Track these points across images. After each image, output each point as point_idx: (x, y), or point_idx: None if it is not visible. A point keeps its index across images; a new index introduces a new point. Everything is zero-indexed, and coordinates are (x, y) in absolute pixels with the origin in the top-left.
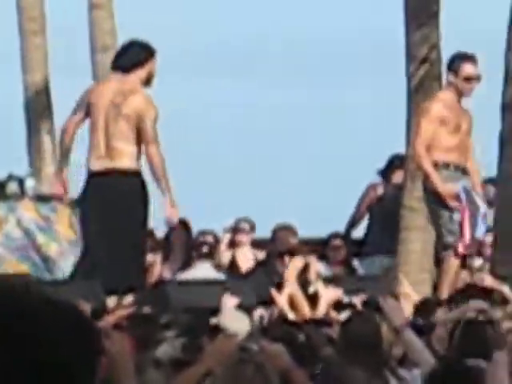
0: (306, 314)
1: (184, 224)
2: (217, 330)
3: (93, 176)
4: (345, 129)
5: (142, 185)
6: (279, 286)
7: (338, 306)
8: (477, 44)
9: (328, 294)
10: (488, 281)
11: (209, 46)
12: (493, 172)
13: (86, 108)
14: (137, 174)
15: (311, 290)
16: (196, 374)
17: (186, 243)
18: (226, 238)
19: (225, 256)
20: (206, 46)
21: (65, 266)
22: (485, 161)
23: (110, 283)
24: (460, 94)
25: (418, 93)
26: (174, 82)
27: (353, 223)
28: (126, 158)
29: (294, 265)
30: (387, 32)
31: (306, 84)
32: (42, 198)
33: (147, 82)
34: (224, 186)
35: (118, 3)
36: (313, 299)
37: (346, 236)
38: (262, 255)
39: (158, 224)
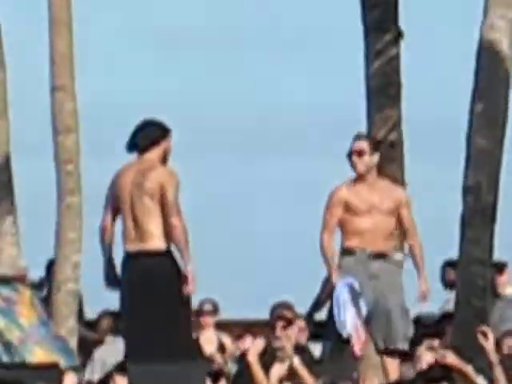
0: None
1: None
2: None
3: (128, 258)
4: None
5: (174, 263)
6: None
7: None
8: (439, 127)
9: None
10: (450, 358)
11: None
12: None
13: (114, 202)
14: (168, 254)
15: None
16: None
17: None
18: None
19: None
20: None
21: (25, 352)
22: (445, 243)
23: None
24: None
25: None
26: None
27: (316, 305)
28: (156, 238)
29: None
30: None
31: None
32: (2, 280)
33: (163, 159)
34: None
35: (81, 84)
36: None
37: (308, 317)
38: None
39: None
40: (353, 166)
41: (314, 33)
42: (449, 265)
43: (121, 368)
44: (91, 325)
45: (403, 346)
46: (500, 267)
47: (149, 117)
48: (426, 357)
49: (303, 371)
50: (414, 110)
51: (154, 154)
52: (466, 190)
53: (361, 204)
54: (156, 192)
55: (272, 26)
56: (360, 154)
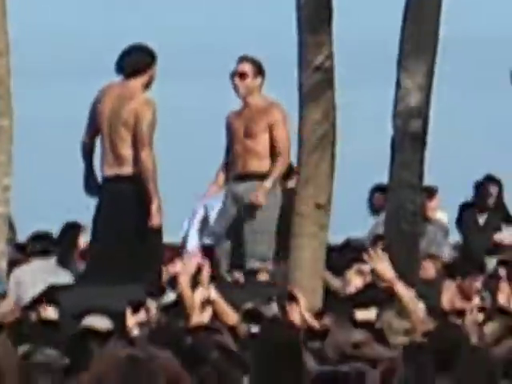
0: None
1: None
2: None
3: (106, 182)
4: None
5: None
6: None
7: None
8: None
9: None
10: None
11: None
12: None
13: (95, 123)
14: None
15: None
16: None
17: None
18: None
19: None
20: None
21: None
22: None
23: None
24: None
25: (310, 101)
26: None
27: None
28: (129, 165)
29: (186, 267)
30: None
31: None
32: None
33: (147, 86)
34: None
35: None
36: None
37: None
38: None
39: None
40: (234, 88)
41: None
42: (377, 190)
43: (50, 295)
44: (22, 248)
45: (253, 264)
46: (430, 192)
47: (136, 42)
48: (355, 280)
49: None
50: (345, 33)
51: (138, 81)
52: (395, 115)
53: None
54: (130, 121)
55: None
56: (242, 76)
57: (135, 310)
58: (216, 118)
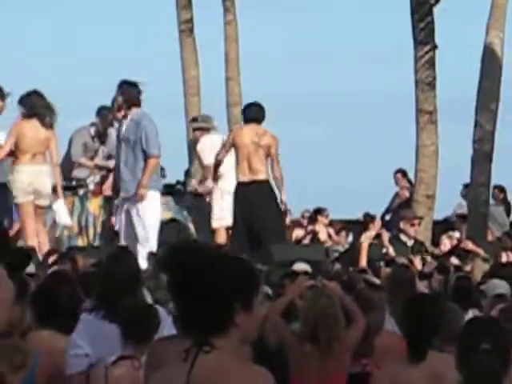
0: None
1: None
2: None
3: (240, 185)
4: None
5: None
6: None
7: None
8: None
9: None
10: (470, 245)
11: None
12: None
13: (231, 146)
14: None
15: None
16: (282, 303)
17: None
18: None
19: None
20: None
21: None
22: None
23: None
24: None
25: None
26: None
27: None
28: (263, 173)
29: None
30: None
31: None
32: None
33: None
34: None
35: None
36: None
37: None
38: None
39: None
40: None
41: None
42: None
43: None
44: None
45: None
46: (499, 188)
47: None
48: (445, 241)
49: None
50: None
51: (263, 125)
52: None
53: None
54: (265, 149)
55: None
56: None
57: None
58: None
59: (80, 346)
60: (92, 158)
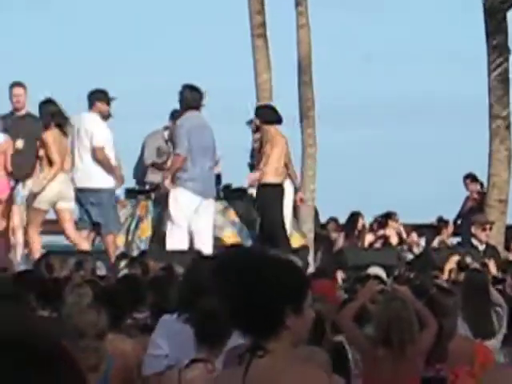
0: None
1: None
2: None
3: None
4: None
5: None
6: None
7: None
8: None
9: None
10: None
11: None
12: None
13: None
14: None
15: None
16: (354, 307)
17: None
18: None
19: None
20: None
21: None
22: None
23: None
24: None
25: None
26: None
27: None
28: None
29: None
30: None
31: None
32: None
33: None
34: None
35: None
36: None
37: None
38: None
39: None
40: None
41: None
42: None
43: None
44: None
45: None
46: None
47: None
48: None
49: None
50: None
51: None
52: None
53: None
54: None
55: None
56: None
57: None
58: None
59: (160, 346)
60: (165, 162)
